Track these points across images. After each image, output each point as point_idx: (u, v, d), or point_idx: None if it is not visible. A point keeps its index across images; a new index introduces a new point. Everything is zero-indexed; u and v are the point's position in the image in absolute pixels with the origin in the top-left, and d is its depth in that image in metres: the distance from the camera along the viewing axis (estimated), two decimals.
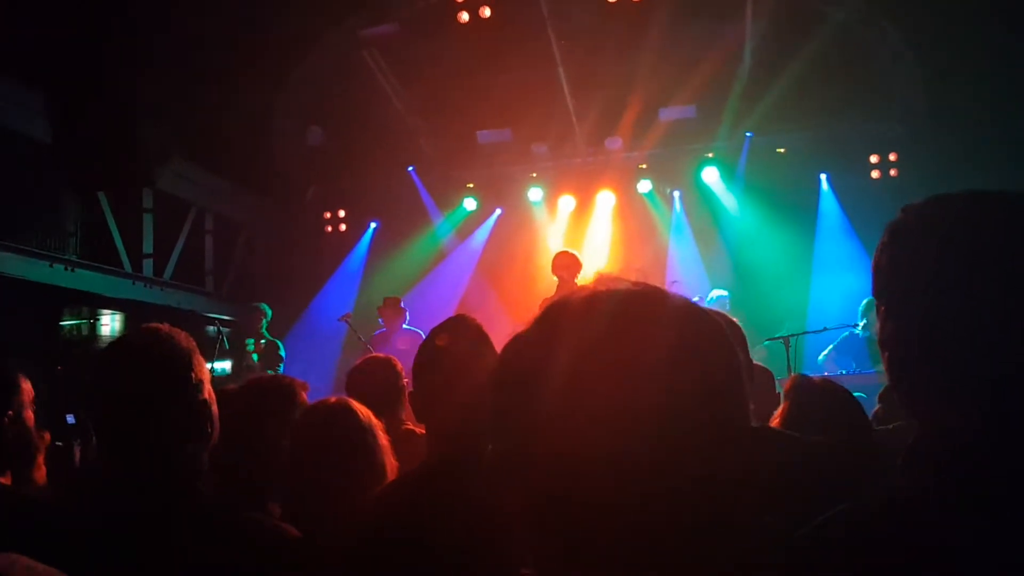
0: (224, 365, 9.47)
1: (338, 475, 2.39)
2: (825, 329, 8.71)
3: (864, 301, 8.63)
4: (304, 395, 2.75)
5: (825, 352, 8.84)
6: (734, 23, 9.73)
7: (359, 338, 8.93)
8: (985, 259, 1.20)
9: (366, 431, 2.52)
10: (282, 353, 9.51)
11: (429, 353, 2.24)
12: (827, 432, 2.56)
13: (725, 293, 9.53)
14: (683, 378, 0.92)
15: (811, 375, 3.26)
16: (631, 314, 0.96)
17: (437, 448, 2.19)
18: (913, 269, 1.27)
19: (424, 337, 8.05)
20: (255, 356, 9.30)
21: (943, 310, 1.20)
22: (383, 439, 2.55)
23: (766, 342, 8.39)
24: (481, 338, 2.23)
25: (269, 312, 9.76)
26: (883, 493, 1.26)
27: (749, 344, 9.64)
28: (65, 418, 6.21)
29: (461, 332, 2.24)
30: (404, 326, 9.11)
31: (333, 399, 2.65)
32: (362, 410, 2.58)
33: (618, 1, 8.76)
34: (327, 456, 2.43)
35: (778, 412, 2.85)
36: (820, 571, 1.20)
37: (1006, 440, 1.14)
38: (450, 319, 2.34)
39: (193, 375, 1.96)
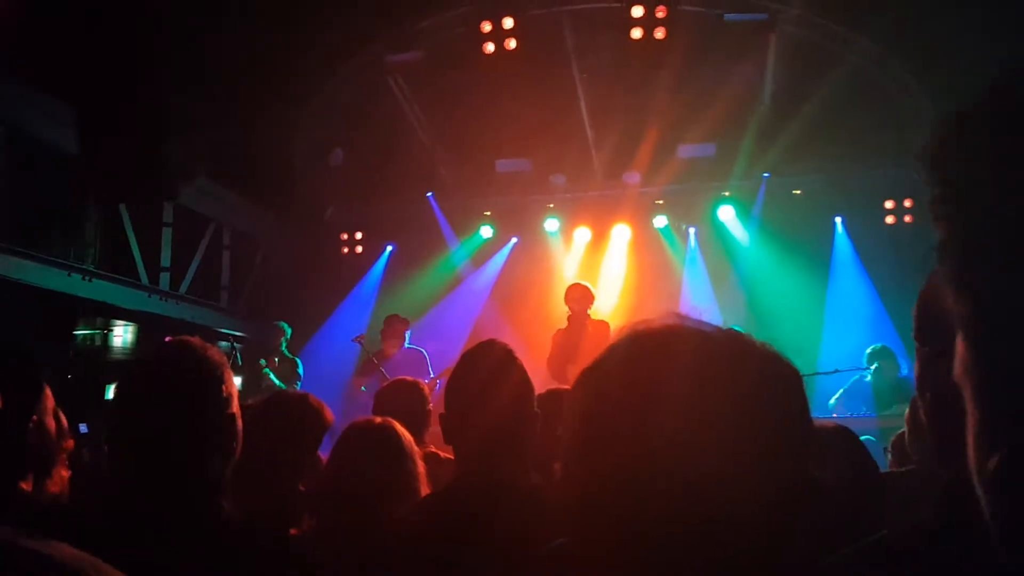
0: (236, 381, 9.50)
1: (375, 492, 2.40)
2: (836, 371, 8.71)
3: (869, 348, 8.64)
4: (330, 414, 2.78)
5: (836, 396, 8.84)
6: (754, 64, 9.81)
7: (372, 360, 8.97)
8: None
9: (407, 456, 2.55)
10: (300, 371, 9.58)
11: (461, 376, 2.27)
12: (833, 472, 2.56)
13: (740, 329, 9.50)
14: (761, 430, 0.95)
15: (819, 417, 3.28)
16: (722, 355, 0.99)
17: (466, 469, 2.21)
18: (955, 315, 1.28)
19: (425, 356, 8.02)
20: (270, 373, 9.36)
21: (985, 358, 1.22)
22: (421, 466, 2.58)
23: None
24: (512, 362, 2.25)
25: (289, 330, 9.86)
26: (919, 523, 1.28)
27: None
28: (77, 427, 6.24)
29: (493, 356, 2.27)
30: (406, 345, 9.17)
31: (379, 419, 2.68)
32: (406, 435, 2.61)
33: (642, 38, 8.82)
34: (368, 472, 2.44)
35: None
36: None
37: None
38: (482, 343, 2.36)
39: (224, 389, 1.99)
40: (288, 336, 9.84)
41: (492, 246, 12.21)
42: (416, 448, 2.59)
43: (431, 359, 9.00)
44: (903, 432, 4.02)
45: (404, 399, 3.88)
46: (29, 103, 8.39)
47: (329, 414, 2.79)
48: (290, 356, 9.77)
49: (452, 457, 2.84)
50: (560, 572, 1.32)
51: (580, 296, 8.07)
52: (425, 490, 2.51)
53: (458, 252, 12.22)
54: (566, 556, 1.24)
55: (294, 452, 2.56)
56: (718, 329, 1.03)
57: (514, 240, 12.18)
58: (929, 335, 1.32)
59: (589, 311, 8.12)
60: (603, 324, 8.03)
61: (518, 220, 12.10)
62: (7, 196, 8.43)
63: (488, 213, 12.19)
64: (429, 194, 12.04)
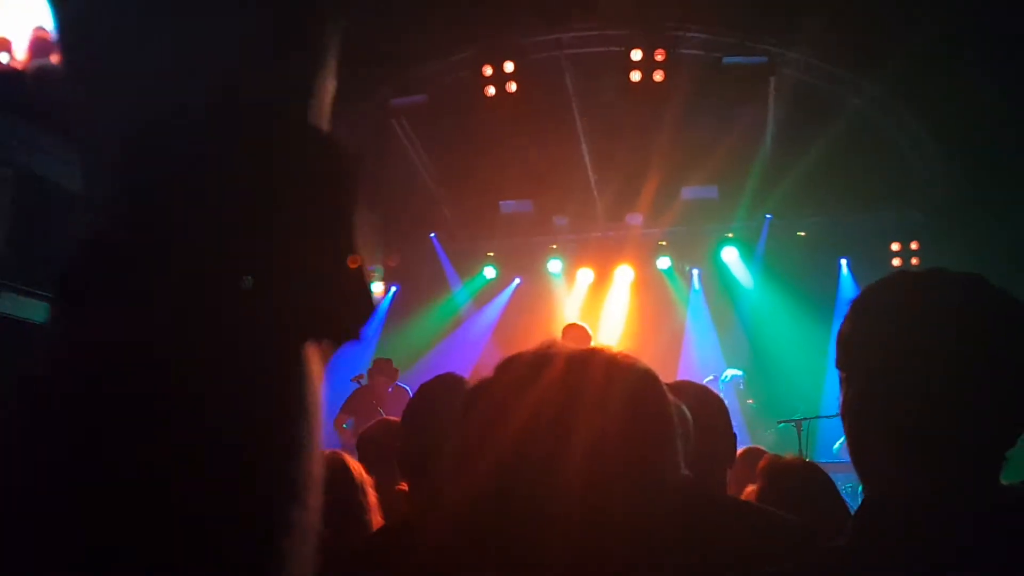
0: None
1: (323, 528, 2.38)
2: (839, 415, 8.61)
3: None
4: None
5: (840, 441, 8.73)
6: (756, 106, 9.85)
7: (372, 400, 8.98)
8: (938, 335, 1.22)
9: (356, 489, 2.54)
10: None
11: (418, 411, 2.25)
12: (801, 512, 2.53)
13: (740, 373, 9.48)
14: (615, 435, 0.99)
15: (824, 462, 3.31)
16: (587, 374, 1.05)
17: (420, 504, 2.18)
18: (869, 341, 1.30)
19: (411, 394, 7.90)
20: None
21: (894, 382, 1.25)
22: (372, 496, 2.56)
23: (780, 425, 8.30)
24: (457, 387, 2.23)
25: None
26: (827, 552, 1.30)
27: (763, 426, 9.32)
28: None
29: (450, 391, 2.25)
30: (393, 385, 9.22)
31: (327, 452, 2.67)
32: (355, 466, 2.60)
33: (641, 80, 8.91)
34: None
35: (751, 490, 2.84)
36: None
37: (944, 513, 1.18)
38: (439, 377, 2.35)
39: None
40: None
41: (495, 287, 12.25)
42: (367, 478, 2.57)
43: None
44: None
45: (387, 438, 3.84)
46: (38, 145, 8.49)
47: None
48: None
49: None
50: None
51: (577, 337, 8.02)
52: (378, 520, 2.48)
53: (461, 293, 12.25)
54: None
55: None
56: (588, 350, 1.08)
57: (517, 281, 12.22)
58: (845, 363, 1.35)
59: None
60: None
61: (521, 261, 12.15)
62: (16, 237, 8.51)
63: (491, 254, 12.24)
64: (432, 235, 12.10)
